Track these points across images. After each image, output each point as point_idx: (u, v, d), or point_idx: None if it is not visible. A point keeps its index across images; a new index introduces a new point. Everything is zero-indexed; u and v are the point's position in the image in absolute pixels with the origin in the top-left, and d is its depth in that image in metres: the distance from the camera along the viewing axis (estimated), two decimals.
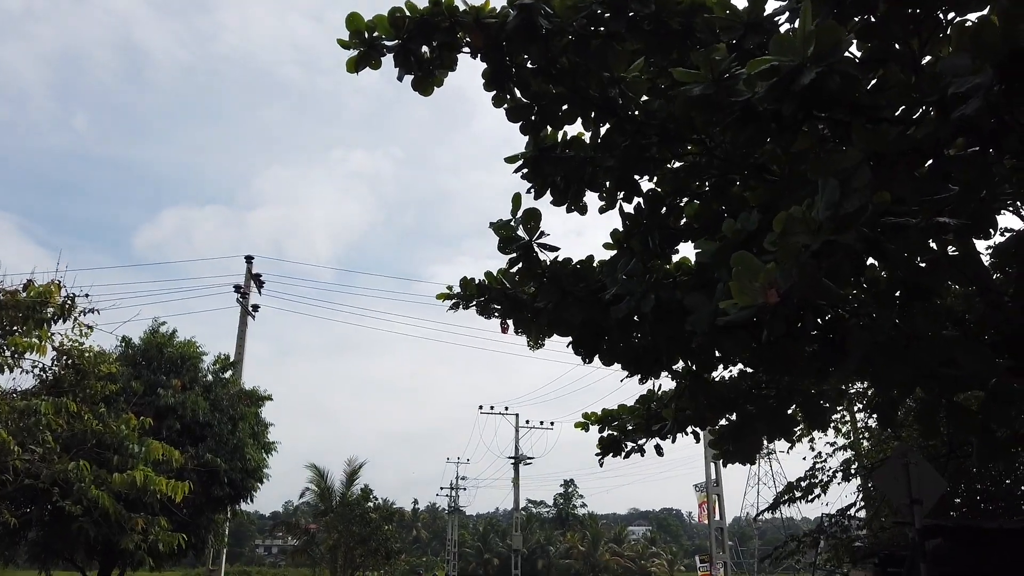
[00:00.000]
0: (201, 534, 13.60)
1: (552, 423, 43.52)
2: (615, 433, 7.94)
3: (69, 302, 9.32)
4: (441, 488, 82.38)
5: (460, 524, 75.01)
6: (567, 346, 6.43)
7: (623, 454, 8.09)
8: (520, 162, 5.57)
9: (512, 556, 44.15)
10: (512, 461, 42.52)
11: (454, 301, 6.58)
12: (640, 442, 7.92)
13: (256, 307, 23.34)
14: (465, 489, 74.24)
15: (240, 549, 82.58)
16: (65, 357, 12.22)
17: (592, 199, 6.10)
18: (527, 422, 43.46)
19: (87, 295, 9.36)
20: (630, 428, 7.90)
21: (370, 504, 25.57)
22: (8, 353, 10.58)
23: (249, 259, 23.10)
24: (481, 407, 43.15)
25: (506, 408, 43.54)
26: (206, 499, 13.12)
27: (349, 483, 38.78)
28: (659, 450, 8.01)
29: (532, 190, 5.82)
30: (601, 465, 8.18)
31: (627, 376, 7.02)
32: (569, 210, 6.18)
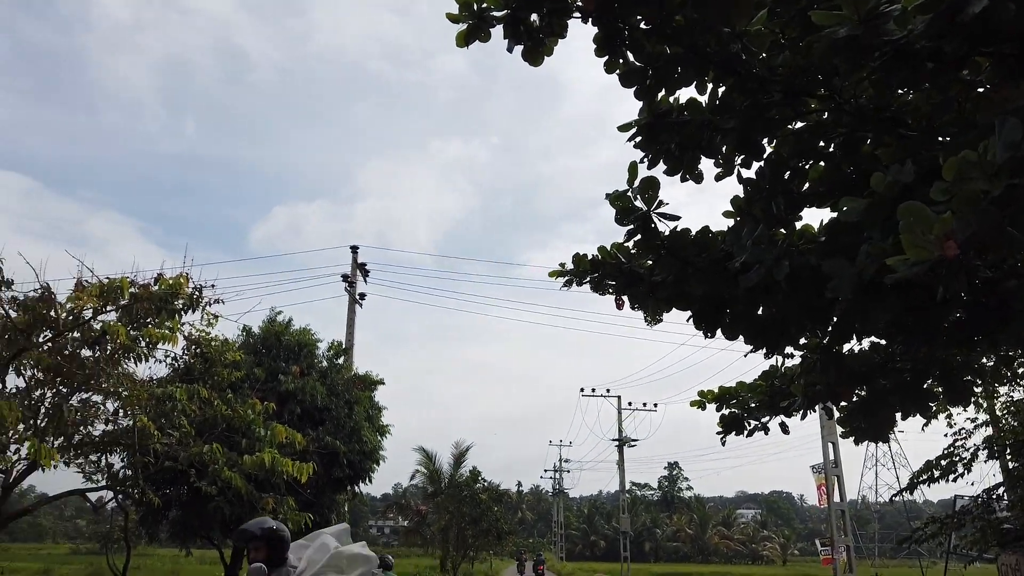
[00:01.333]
0: (324, 513, 14.16)
1: (656, 405, 42.89)
2: (736, 411, 7.68)
3: (197, 293, 9.84)
4: (545, 471, 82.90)
5: (564, 506, 75.39)
6: (687, 320, 6.21)
7: (745, 432, 7.82)
8: (634, 130, 5.38)
9: (620, 538, 43.98)
10: (616, 443, 42.22)
11: (567, 279, 6.47)
12: (763, 420, 7.65)
13: (363, 295, 24.07)
14: (569, 471, 74.49)
15: (355, 529, 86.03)
16: (194, 346, 12.97)
17: (707, 167, 5.85)
18: (629, 404, 43.04)
19: (213, 285, 9.81)
20: (753, 405, 7.61)
21: (479, 485, 26.01)
22: (143, 344, 11.31)
23: (354, 249, 23.81)
24: (583, 390, 43.04)
25: (608, 390, 43.26)
26: (327, 480, 13.65)
27: (457, 465, 39.61)
28: (784, 428, 7.68)
29: (646, 159, 5.62)
30: (723, 444, 7.90)
31: (751, 351, 6.74)
32: (683, 179, 5.94)
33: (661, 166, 5.80)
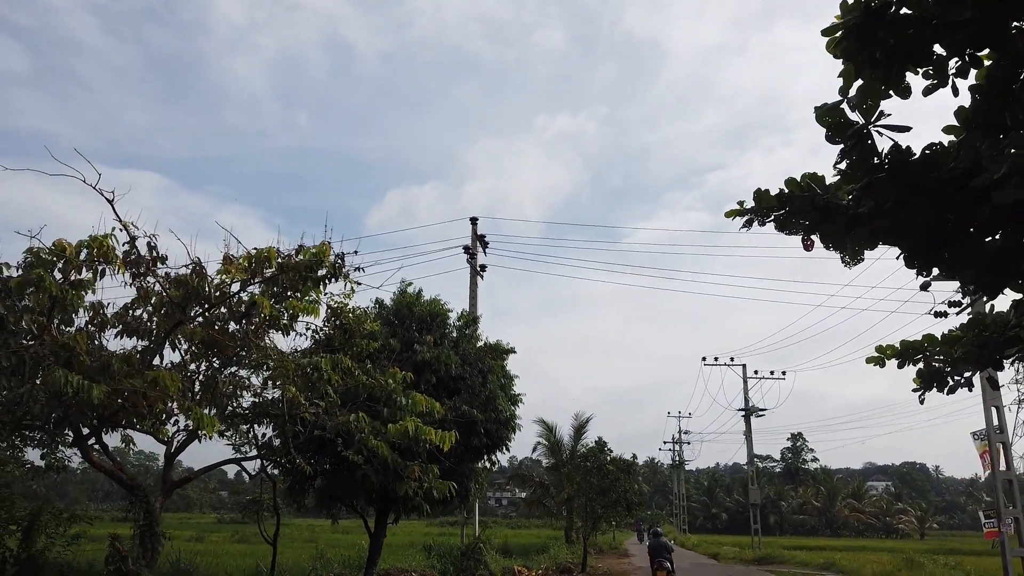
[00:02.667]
0: (464, 483, 14.10)
1: (784, 373, 40.98)
2: (938, 365, 6.80)
3: (339, 261, 9.76)
4: (664, 443, 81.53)
5: (681, 479, 74.00)
6: (897, 258, 5.42)
7: (946, 389, 6.94)
8: (839, 33, 4.62)
9: (750, 510, 42.56)
10: (742, 413, 40.70)
11: (747, 218, 5.79)
12: (967, 375, 6.76)
13: (483, 267, 23.94)
14: (689, 444, 72.97)
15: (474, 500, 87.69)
16: (334, 318, 13.08)
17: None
18: (755, 372, 41.32)
19: (356, 251, 9.70)
20: (957, 357, 6.71)
21: (605, 456, 25.57)
22: (286, 316, 11.45)
23: (474, 220, 23.69)
24: (704, 359, 41.68)
25: (731, 359, 41.68)
26: (465, 449, 13.53)
27: (577, 437, 39.35)
28: (994, 383, 6.77)
29: (845, 72, 4.84)
30: (922, 402, 7.08)
31: (970, 293, 5.87)
32: (885, 95, 5.11)
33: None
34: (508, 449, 14.73)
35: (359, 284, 10.12)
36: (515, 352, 15.78)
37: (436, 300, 15.80)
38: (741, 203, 5.86)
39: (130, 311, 10.90)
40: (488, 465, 16.09)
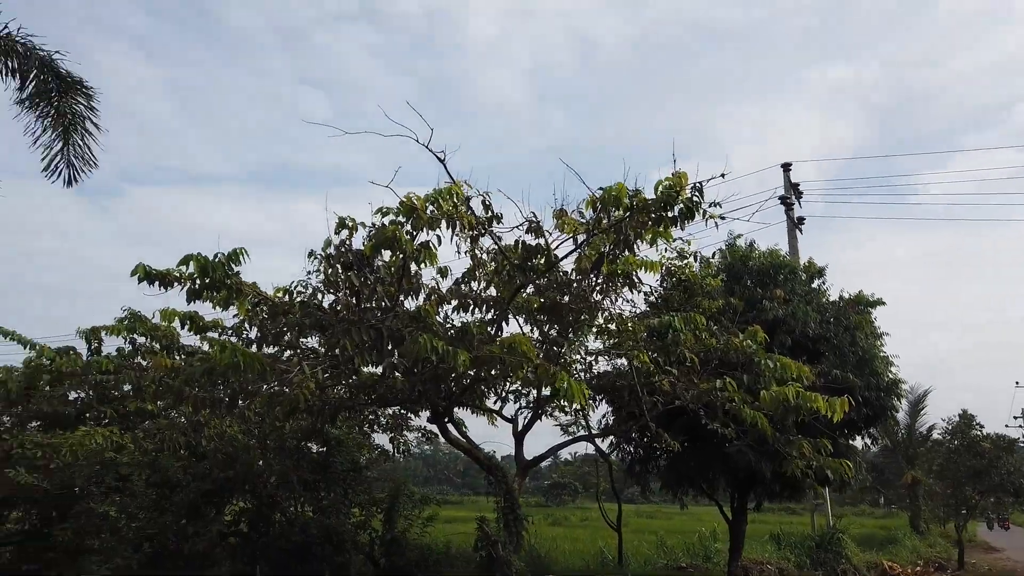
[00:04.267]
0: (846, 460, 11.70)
1: None
2: None
3: (697, 194, 8.09)
4: (1015, 417, 68.80)
5: None
6: None
7: None
8: None
9: None
10: None
11: None
12: None
13: (801, 219, 20.98)
14: None
15: None
16: (671, 276, 11.53)
17: None
18: None
19: (723, 174, 7.96)
20: None
21: (976, 432, 21.04)
22: (621, 276, 10.09)
23: (787, 167, 20.82)
24: None
25: None
26: (843, 420, 11.13)
27: (914, 414, 34.00)
28: None
29: None
30: None
31: None
32: None
33: None
34: (894, 420, 12.01)
35: (722, 219, 8.33)
36: (883, 304, 12.98)
37: (774, 251, 13.57)
38: None
39: (461, 284, 10.34)
40: (868, 441, 13.45)
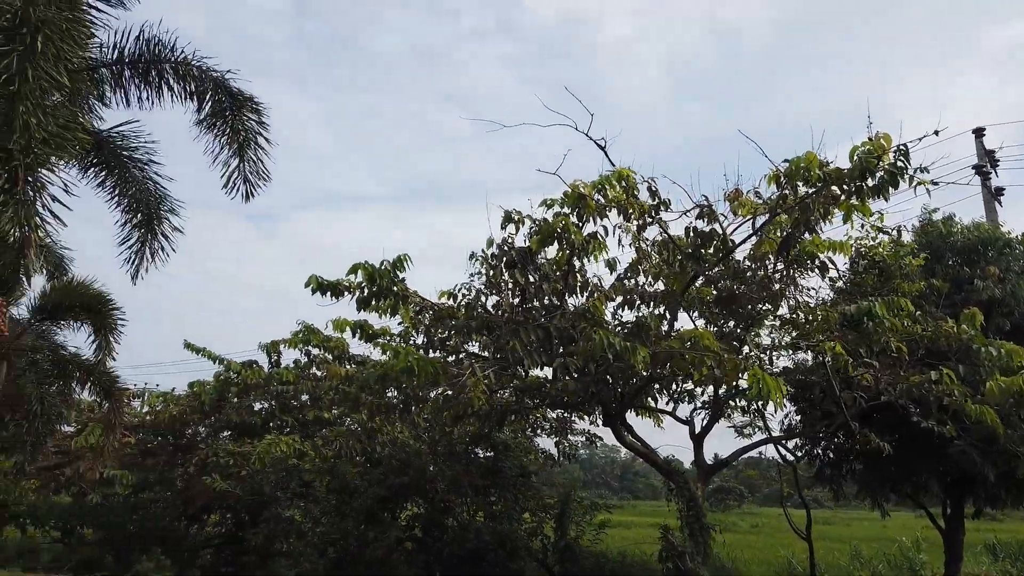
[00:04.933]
0: None
1: None
2: None
3: (902, 158, 7.07)
4: None
5: None
6: None
7: None
8: None
9: None
10: None
11: None
12: None
13: (1000, 190, 18.53)
14: None
15: None
16: (861, 258, 10.39)
17: None
18: None
19: (937, 131, 6.92)
20: None
21: None
22: (804, 258, 9.13)
23: (979, 132, 18.45)
24: None
25: None
26: None
27: None
28: None
29: None
30: None
31: None
32: None
33: None
34: None
35: (935, 184, 7.23)
36: None
37: (980, 224, 11.92)
38: None
39: (624, 279, 9.80)
40: None
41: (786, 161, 7.30)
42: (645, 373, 8.07)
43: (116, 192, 9.69)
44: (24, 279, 7.96)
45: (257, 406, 15.48)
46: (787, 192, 7.57)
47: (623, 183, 7.37)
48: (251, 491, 12.99)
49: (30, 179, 6.18)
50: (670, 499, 9.74)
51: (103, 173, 9.61)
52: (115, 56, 8.68)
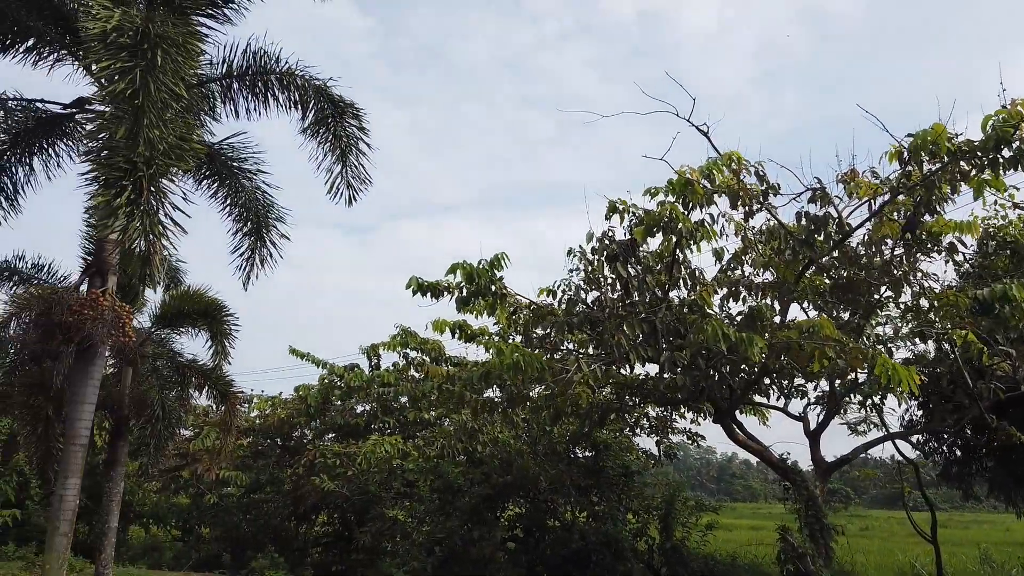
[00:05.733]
0: None
1: None
2: None
3: None
4: None
5: None
6: None
7: None
8: None
9: None
10: None
11: None
12: None
13: None
14: None
15: None
16: (991, 239, 9.67)
17: None
18: None
19: None
20: None
21: None
22: (928, 240, 8.54)
23: None
24: None
25: None
26: None
27: None
28: None
29: None
30: None
31: None
32: None
33: None
34: None
35: None
36: None
37: None
38: None
39: (728, 270, 9.43)
40: None
41: (909, 136, 6.83)
42: (759, 366, 7.73)
43: (227, 202, 10.11)
44: (149, 287, 8.37)
45: (360, 408, 15.83)
46: (911, 168, 7.09)
47: (732, 167, 7.07)
48: (357, 491, 13.26)
49: (152, 189, 6.46)
50: (786, 499, 9.30)
51: (215, 184, 10.03)
52: (224, 70, 9.06)
